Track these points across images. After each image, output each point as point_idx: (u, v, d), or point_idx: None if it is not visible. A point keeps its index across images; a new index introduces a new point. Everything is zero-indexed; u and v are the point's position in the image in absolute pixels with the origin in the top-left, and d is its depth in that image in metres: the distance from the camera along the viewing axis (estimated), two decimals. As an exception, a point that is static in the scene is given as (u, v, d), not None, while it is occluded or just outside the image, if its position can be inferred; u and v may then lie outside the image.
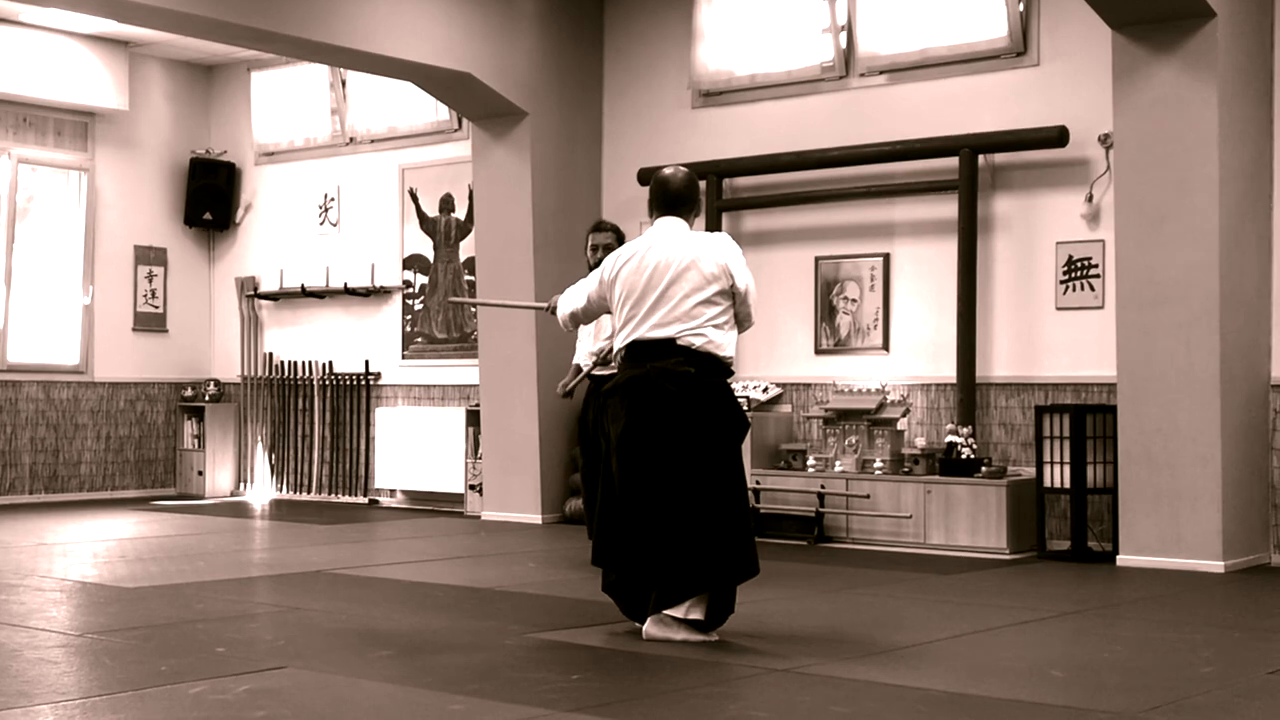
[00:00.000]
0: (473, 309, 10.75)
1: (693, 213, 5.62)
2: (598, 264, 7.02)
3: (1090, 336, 8.37)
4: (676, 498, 5.26)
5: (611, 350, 6.53)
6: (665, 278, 5.36)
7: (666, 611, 5.25)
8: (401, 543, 8.97)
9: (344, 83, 11.62)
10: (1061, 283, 8.51)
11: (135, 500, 11.73)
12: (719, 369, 5.39)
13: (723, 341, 5.38)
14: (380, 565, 7.75)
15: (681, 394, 5.29)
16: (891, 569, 7.58)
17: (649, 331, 5.36)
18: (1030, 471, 8.35)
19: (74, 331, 11.88)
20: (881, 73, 9.21)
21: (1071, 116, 8.42)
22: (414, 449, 11.10)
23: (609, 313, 5.68)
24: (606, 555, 5.51)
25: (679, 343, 5.33)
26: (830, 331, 9.38)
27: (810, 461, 8.94)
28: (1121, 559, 7.67)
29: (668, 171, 5.66)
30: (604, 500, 5.56)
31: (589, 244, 7.43)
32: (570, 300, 5.86)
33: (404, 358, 11.47)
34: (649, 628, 5.28)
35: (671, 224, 5.54)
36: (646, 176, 9.94)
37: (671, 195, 5.57)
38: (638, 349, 5.40)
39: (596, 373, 7.15)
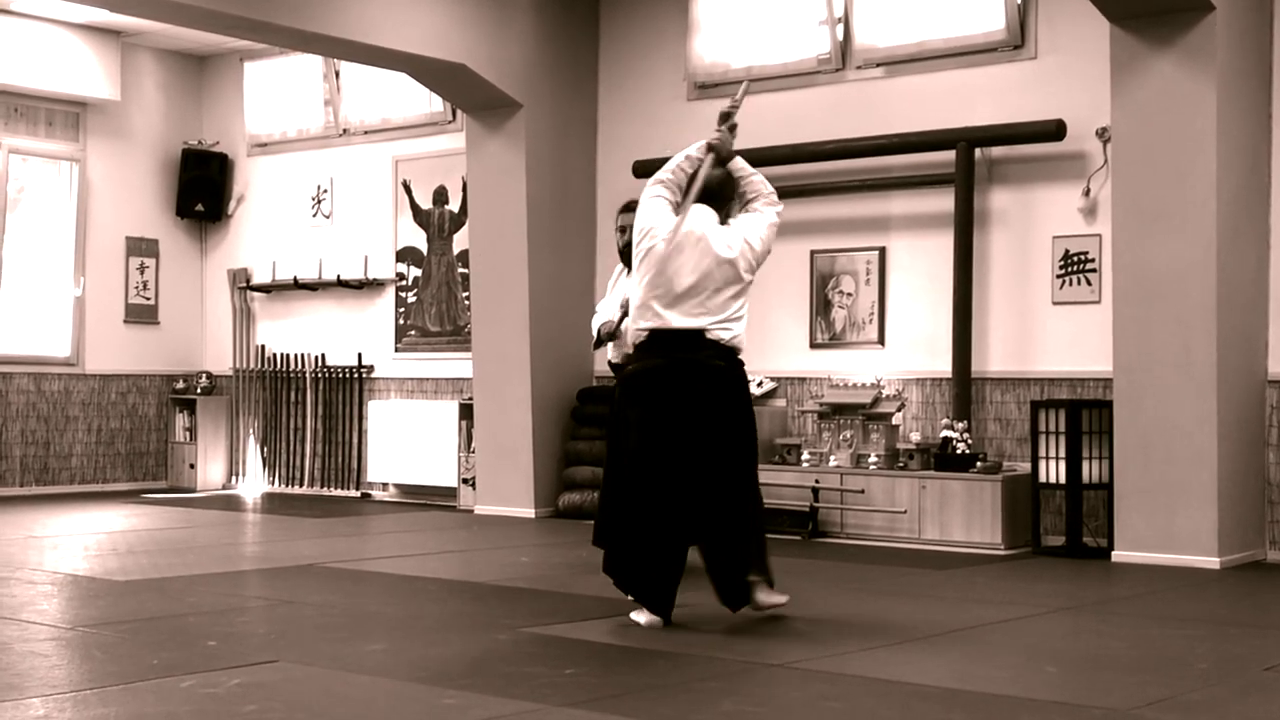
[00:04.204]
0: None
1: (724, 209, 5.68)
2: (626, 246, 6.96)
3: (1087, 331, 8.34)
4: (724, 479, 5.43)
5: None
6: (697, 268, 5.43)
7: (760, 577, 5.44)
8: (394, 536, 8.94)
9: (337, 73, 11.58)
10: (1058, 277, 8.48)
11: (126, 493, 11.70)
12: (739, 362, 5.57)
13: (743, 335, 5.57)
14: (372, 559, 7.72)
15: (716, 388, 5.44)
16: (886, 564, 7.55)
17: (677, 321, 5.43)
18: (1025, 467, 8.33)
19: (65, 323, 11.83)
20: (878, 65, 9.18)
21: (1069, 110, 8.39)
22: (407, 442, 11.06)
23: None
24: (635, 541, 5.49)
25: (709, 335, 5.43)
26: (825, 325, 9.35)
27: (805, 456, 8.91)
28: (1117, 555, 7.65)
29: (706, 170, 5.74)
30: (628, 486, 5.53)
31: (617, 224, 7.13)
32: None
33: (397, 350, 11.43)
34: (762, 597, 5.43)
35: (703, 211, 5.57)
36: (641, 169, 9.90)
37: (706, 189, 5.62)
38: (664, 338, 5.45)
39: (617, 361, 7.01)
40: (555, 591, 6.42)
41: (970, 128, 8.63)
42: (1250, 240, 7.77)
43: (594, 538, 6.06)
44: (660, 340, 5.45)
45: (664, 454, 5.41)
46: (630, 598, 5.55)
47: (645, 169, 9.86)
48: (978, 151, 8.67)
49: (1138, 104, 7.57)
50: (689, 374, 5.41)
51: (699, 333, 5.41)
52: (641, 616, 5.46)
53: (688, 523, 5.42)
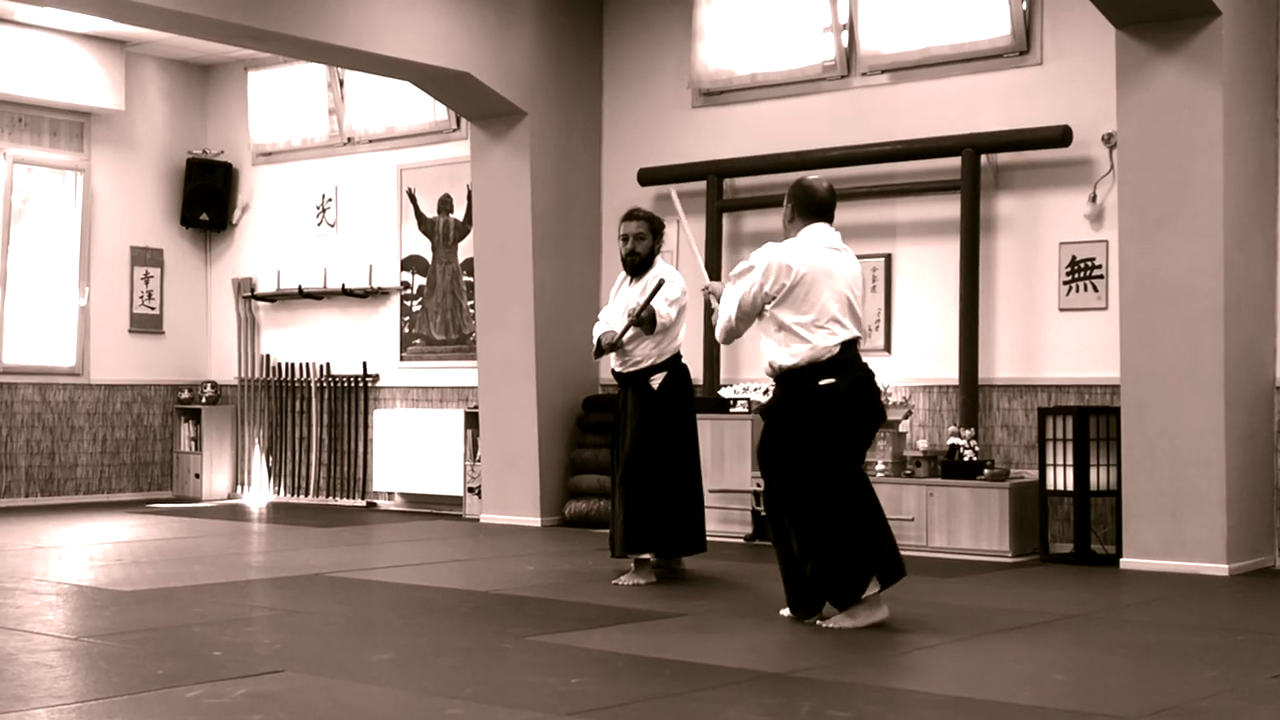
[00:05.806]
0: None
1: (833, 221, 5.91)
2: (629, 254, 6.97)
3: (1093, 338, 8.32)
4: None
5: (649, 312, 6.74)
6: (854, 284, 5.75)
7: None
8: (399, 546, 8.93)
9: (342, 82, 11.58)
10: (1065, 283, 8.46)
11: (132, 503, 11.69)
12: None
13: None
14: (378, 568, 7.70)
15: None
16: (893, 572, 7.52)
17: (856, 331, 5.73)
18: (1033, 474, 8.30)
19: (70, 333, 11.83)
20: (883, 72, 9.16)
21: (1075, 116, 8.38)
22: (412, 451, 11.05)
23: (758, 316, 5.78)
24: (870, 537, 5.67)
25: (860, 346, 5.81)
26: (831, 333, 9.32)
27: (811, 463, 8.88)
28: (1125, 562, 7.62)
29: (813, 179, 5.93)
30: (853, 496, 5.66)
31: (619, 232, 7.11)
32: (725, 313, 5.87)
33: (402, 359, 11.42)
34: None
35: (829, 230, 5.82)
36: (646, 176, 9.91)
37: (818, 203, 5.86)
38: (852, 349, 5.71)
39: (620, 369, 7.02)
40: (561, 600, 6.41)
41: (976, 134, 8.62)
42: (1257, 246, 7.75)
43: (839, 593, 5.67)
44: (851, 351, 5.70)
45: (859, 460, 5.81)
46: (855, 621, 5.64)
47: (650, 176, 9.88)
48: (984, 158, 8.66)
49: (1144, 109, 7.55)
50: (875, 385, 5.83)
51: (857, 343, 5.75)
52: (880, 612, 5.64)
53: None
